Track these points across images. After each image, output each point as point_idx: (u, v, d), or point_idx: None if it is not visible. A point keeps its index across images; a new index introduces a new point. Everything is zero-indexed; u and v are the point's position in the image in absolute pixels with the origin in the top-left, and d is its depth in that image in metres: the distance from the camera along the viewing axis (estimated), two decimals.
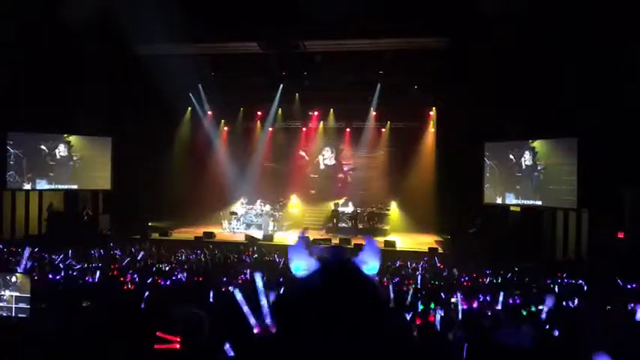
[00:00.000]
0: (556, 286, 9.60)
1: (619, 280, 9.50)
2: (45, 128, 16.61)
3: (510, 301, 6.92)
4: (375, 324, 1.04)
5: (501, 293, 7.06)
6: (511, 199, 16.21)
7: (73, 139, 17.44)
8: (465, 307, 6.30)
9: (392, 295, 4.98)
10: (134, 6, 12.30)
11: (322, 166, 21.72)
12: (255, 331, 3.75)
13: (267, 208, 19.18)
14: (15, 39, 13.72)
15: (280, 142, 21.74)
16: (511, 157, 16.16)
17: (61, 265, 9.75)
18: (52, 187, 17.16)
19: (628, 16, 11.35)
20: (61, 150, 17.25)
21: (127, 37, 13.71)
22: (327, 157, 21.76)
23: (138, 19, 12.51)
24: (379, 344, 1.02)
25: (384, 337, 1.04)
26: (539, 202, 15.39)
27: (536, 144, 15.43)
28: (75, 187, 17.56)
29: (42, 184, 16.92)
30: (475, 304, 6.82)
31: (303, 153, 21.66)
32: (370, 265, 1.37)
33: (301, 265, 1.34)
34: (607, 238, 12.86)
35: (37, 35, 13.84)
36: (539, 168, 15.34)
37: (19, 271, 5.14)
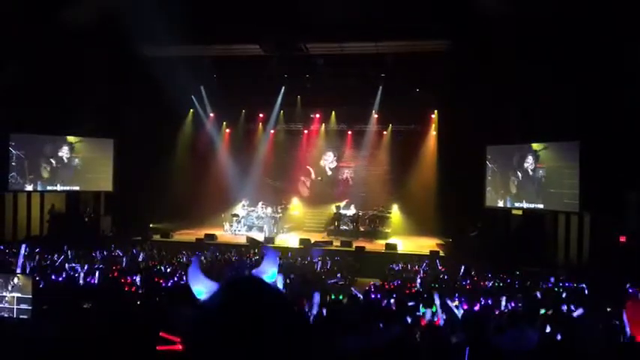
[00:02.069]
0: (559, 290, 9.59)
1: (621, 284, 9.48)
2: (47, 130, 16.63)
3: (512, 305, 6.91)
4: (284, 326, 0.99)
5: (503, 297, 7.04)
6: (513, 203, 16.19)
7: (75, 140, 17.46)
8: (466, 310, 6.29)
9: (317, 301, 4.92)
10: (137, 8, 12.32)
11: (329, 172, 21.72)
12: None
13: (269, 210, 19.16)
14: (17, 40, 13.74)
15: (282, 148, 21.76)
16: (513, 160, 16.15)
17: (62, 267, 9.75)
18: (54, 188, 17.17)
19: (630, 18, 11.34)
20: (63, 151, 17.27)
21: (130, 38, 13.72)
22: (329, 162, 21.78)
23: (140, 20, 12.53)
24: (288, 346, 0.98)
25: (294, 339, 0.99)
26: (540, 206, 15.36)
27: (538, 147, 15.42)
28: (77, 188, 17.57)
29: (44, 186, 16.93)
30: (477, 308, 6.81)
31: (309, 168, 21.72)
32: (269, 273, 1.35)
33: (202, 289, 1.29)
34: (609, 241, 12.83)
35: (39, 36, 13.85)
36: (541, 171, 15.32)
37: (18, 271, 5.14)
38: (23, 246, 5.49)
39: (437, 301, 5.52)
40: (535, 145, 15.45)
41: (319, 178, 21.74)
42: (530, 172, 15.59)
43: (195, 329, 1.01)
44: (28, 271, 6.98)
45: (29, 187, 16.60)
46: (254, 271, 1.34)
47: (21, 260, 5.64)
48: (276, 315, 1.00)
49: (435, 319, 5.44)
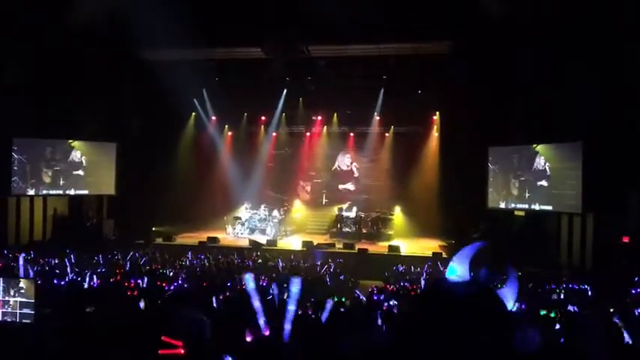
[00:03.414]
0: (561, 291, 9.55)
1: (624, 285, 9.45)
2: (49, 134, 16.67)
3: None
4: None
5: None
6: (515, 204, 16.16)
7: (77, 144, 17.50)
8: None
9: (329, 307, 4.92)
10: (139, 11, 12.34)
11: (356, 173, 21.69)
12: (248, 339, 3.75)
13: (271, 213, 19.17)
14: (19, 43, 13.78)
15: (283, 150, 21.80)
16: (515, 161, 16.12)
17: (65, 271, 9.76)
18: (57, 192, 17.20)
19: (630, 18, 11.32)
20: (66, 155, 17.30)
21: (132, 42, 13.75)
22: (345, 162, 21.85)
23: (142, 24, 12.55)
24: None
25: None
26: (543, 207, 15.33)
27: (540, 148, 15.39)
28: (79, 192, 17.60)
29: (46, 190, 16.96)
30: None
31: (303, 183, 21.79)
32: (509, 301, 1.41)
33: (458, 271, 1.36)
34: (612, 242, 12.79)
35: (42, 40, 13.88)
36: (543, 172, 15.29)
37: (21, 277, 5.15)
38: (21, 256, 5.50)
39: None
40: (537, 147, 15.43)
41: (318, 181, 21.78)
42: (533, 174, 15.56)
43: (429, 298, 1.19)
44: (31, 276, 6.99)
45: (31, 192, 16.62)
46: (498, 290, 1.42)
47: (22, 270, 5.66)
48: (496, 336, 1.11)
49: None
